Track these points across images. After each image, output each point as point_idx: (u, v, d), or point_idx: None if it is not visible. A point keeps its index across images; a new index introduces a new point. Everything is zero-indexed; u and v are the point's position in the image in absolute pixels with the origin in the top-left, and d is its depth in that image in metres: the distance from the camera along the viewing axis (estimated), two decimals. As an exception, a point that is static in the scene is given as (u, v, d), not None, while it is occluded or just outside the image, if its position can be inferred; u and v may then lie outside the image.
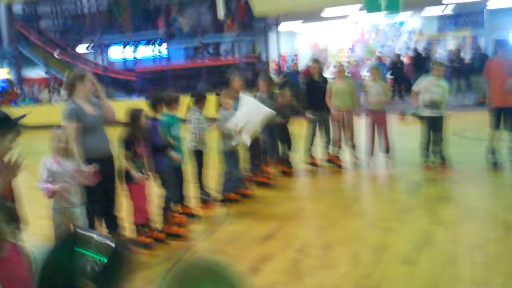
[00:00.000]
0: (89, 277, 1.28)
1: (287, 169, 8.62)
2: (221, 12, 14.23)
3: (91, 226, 5.33)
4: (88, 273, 1.28)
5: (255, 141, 7.72)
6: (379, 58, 20.96)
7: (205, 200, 7.15)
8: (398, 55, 21.10)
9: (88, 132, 5.09)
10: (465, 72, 16.36)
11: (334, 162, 8.92)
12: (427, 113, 7.98)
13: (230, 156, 7.21)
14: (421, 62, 19.80)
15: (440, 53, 21.77)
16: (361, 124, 8.99)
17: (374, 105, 8.54)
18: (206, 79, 17.54)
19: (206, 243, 5.90)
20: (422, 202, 6.73)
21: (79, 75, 5.20)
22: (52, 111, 17.70)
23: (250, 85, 17.16)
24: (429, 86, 7.97)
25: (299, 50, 26.25)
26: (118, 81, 20.60)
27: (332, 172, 8.75)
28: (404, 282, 4.50)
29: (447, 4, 19.68)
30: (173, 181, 6.17)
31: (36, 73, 24.37)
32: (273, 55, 21.32)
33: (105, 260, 1.30)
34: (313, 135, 8.87)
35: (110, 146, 5.35)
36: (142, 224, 5.70)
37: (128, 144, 5.57)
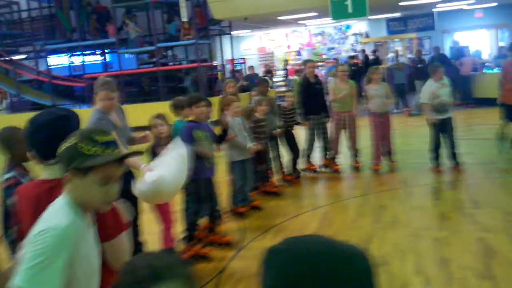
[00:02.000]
0: None
1: (292, 177, 8.07)
2: (184, 14, 13.49)
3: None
4: None
5: (259, 150, 7.19)
6: (335, 60, 20.82)
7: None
8: (352, 57, 21.05)
9: None
10: (426, 73, 16.38)
11: (331, 167, 8.49)
12: (437, 116, 7.68)
13: (237, 166, 6.60)
14: (368, 65, 19.80)
15: (388, 55, 21.91)
16: (362, 127, 8.59)
17: (377, 108, 8.13)
18: (162, 85, 16.67)
19: (238, 262, 5.24)
20: (453, 208, 6.35)
21: (100, 83, 4.50)
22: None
23: (209, 91, 16.61)
24: (435, 91, 7.69)
25: (246, 54, 25.84)
26: (65, 89, 19.32)
27: (335, 178, 8.29)
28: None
29: (398, 10, 19.84)
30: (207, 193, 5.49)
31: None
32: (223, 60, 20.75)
33: None
34: (312, 140, 8.38)
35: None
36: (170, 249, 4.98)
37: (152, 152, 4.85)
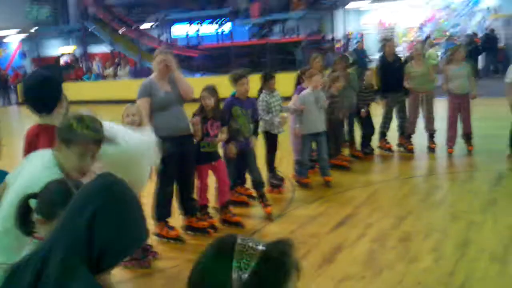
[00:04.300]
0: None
1: (361, 153, 8.25)
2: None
3: (167, 210, 5.18)
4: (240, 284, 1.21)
5: (330, 124, 7.35)
6: (451, 38, 19.96)
7: (276, 184, 6.86)
8: (473, 35, 19.97)
9: (160, 110, 4.93)
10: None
11: (406, 146, 8.48)
12: None
13: (306, 139, 6.87)
14: (492, 44, 18.65)
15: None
16: (440, 108, 8.47)
17: (457, 89, 7.94)
18: (271, 57, 17.18)
19: (274, 226, 5.65)
20: (507, 195, 6.21)
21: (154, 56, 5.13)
22: (116, 86, 17.89)
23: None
24: None
25: (365, 29, 25.46)
26: (181, 59, 20.56)
27: (406, 157, 8.30)
28: (492, 281, 4.10)
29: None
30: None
31: (101, 49, 24.75)
32: (338, 34, 20.72)
33: (256, 267, 1.23)
34: (389, 118, 8.43)
35: (186, 124, 5.15)
36: (202, 206, 5.50)
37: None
